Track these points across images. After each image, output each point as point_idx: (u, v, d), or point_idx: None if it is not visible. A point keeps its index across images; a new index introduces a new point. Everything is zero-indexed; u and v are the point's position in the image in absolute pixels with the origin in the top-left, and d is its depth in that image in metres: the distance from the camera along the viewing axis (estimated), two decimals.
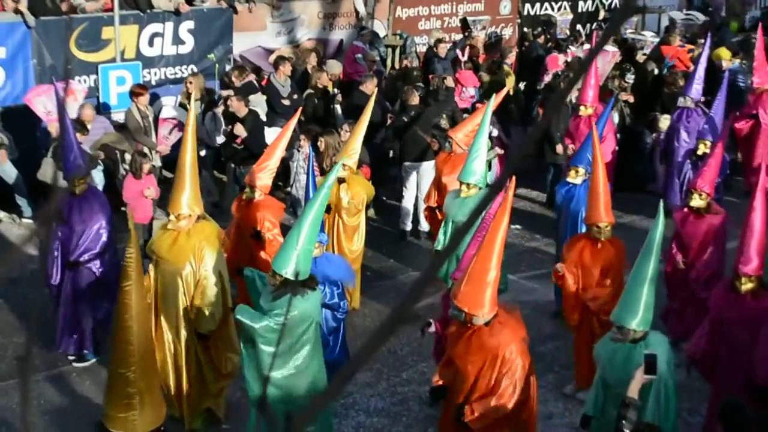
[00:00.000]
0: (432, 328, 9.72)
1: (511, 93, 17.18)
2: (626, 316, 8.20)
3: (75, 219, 11.03)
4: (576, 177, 12.48)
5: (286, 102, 16.28)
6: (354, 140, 12.83)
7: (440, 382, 8.68)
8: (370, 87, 15.89)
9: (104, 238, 11.15)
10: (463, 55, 18.86)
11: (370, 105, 13.18)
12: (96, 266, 11.13)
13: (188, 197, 9.91)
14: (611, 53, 19.49)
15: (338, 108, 16.63)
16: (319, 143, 14.05)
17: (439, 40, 19.29)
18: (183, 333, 9.99)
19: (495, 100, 13.35)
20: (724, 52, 18.54)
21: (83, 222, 11.06)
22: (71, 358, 11.49)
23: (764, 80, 16.56)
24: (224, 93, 15.80)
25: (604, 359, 8.43)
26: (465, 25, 20.85)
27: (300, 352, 8.88)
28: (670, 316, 12.00)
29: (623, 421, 7.33)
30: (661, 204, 8.94)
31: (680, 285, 11.76)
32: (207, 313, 9.91)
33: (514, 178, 9.74)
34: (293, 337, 8.82)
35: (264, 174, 11.76)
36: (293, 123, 12.40)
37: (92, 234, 11.08)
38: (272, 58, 18.15)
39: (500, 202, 8.69)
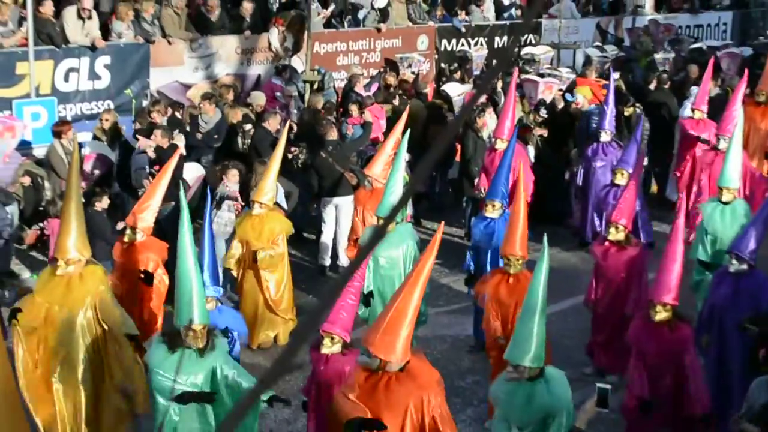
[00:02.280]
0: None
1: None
2: (520, 354, 8.18)
3: None
4: (493, 211, 12.53)
5: (198, 135, 16.13)
6: (267, 178, 12.78)
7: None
8: (273, 124, 15.85)
9: None
10: (368, 90, 18.93)
11: (282, 143, 13.15)
12: None
13: (75, 241, 9.77)
14: (543, 83, 19.72)
15: (239, 142, 16.34)
16: (254, 172, 14.11)
17: (354, 75, 19.34)
18: (81, 381, 9.83)
19: (398, 131, 13.67)
20: (585, 91, 18.51)
21: None
22: None
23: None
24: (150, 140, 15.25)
25: (503, 400, 8.38)
26: (392, 66, 20.95)
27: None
28: (595, 348, 12.07)
29: None
30: (545, 239, 9.06)
31: (605, 318, 11.83)
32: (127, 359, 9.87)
33: (442, 223, 9.70)
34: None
35: (146, 214, 11.59)
36: (173, 163, 12.29)
37: None
38: (191, 93, 18.05)
39: (426, 251, 8.65)
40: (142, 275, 11.17)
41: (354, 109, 17.29)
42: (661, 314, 9.65)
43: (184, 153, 15.38)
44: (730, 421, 8.43)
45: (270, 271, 12.71)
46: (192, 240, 9.19)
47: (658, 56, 24.15)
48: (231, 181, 14.01)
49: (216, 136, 16.39)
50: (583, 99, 17.99)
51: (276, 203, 13.25)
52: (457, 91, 19.66)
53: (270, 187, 12.74)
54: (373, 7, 21.74)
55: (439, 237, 8.93)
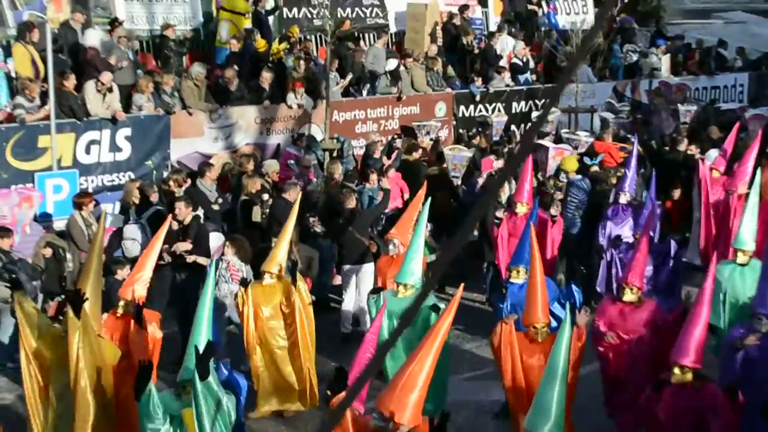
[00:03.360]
0: None
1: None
2: (540, 422, 8.10)
3: None
4: (518, 277, 12.52)
5: (216, 207, 16.19)
6: (279, 248, 12.69)
7: None
8: (293, 195, 15.85)
9: None
10: (388, 159, 19.00)
11: (293, 215, 13.08)
12: None
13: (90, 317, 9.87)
14: (554, 149, 19.79)
15: (256, 213, 16.44)
16: (273, 243, 13.99)
17: (372, 143, 19.45)
18: None
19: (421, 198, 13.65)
20: (570, 163, 18.33)
21: None
22: None
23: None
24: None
25: None
26: (409, 132, 21.06)
27: None
28: (616, 411, 11.93)
29: None
30: (568, 308, 9.01)
31: (627, 379, 11.71)
32: None
33: (461, 287, 9.68)
34: None
35: (139, 285, 11.45)
36: (162, 235, 12.18)
37: None
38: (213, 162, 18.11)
39: (443, 316, 8.58)
40: (133, 312, 10.93)
41: (374, 177, 17.35)
42: (678, 376, 9.58)
43: (202, 219, 15.41)
44: None
45: (283, 339, 12.60)
46: (212, 307, 9.27)
47: (682, 108, 24.27)
48: (228, 253, 13.92)
49: (221, 201, 16.43)
50: (567, 171, 17.91)
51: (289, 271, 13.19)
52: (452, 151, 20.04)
53: (281, 258, 12.65)
54: (385, 72, 21.91)
55: (458, 300, 8.92)
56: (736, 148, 18.56)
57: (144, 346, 11.19)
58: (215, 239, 15.23)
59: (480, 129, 21.91)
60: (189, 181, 16.67)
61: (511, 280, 12.65)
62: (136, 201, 16.08)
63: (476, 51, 24.61)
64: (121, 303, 11.43)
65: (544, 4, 27.75)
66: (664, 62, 27.30)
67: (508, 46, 24.98)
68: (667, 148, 19.92)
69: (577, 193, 17.06)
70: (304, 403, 12.74)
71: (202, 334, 9.18)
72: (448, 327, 8.64)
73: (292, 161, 18.68)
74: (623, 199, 15.94)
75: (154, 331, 11.27)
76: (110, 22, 20.00)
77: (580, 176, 17.55)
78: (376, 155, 19.03)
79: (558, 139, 21.34)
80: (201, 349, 9.11)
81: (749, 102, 27.48)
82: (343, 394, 8.32)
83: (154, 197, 15.83)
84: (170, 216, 13.62)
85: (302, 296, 12.59)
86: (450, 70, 23.58)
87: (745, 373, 10.73)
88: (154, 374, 11.09)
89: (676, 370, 9.55)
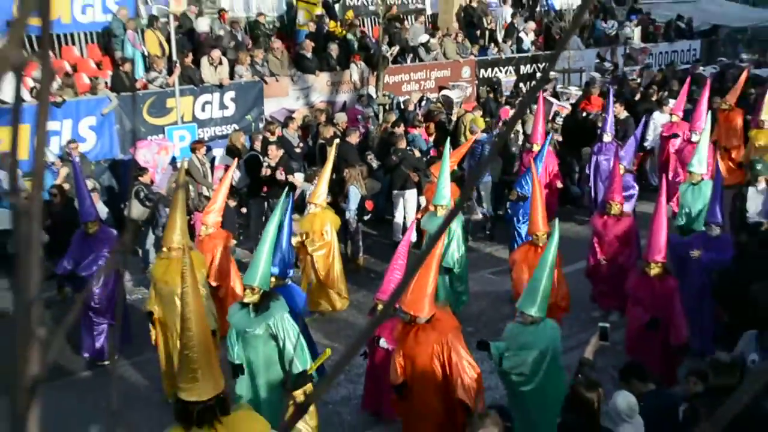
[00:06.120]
0: (384, 344, 8.85)
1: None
2: (528, 305, 8.07)
3: (85, 251, 10.77)
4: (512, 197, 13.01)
5: (298, 150, 16.35)
6: (320, 184, 12.44)
7: (398, 381, 8.01)
8: (353, 138, 15.95)
9: (100, 262, 10.69)
10: (419, 115, 18.92)
11: (331, 156, 12.89)
12: (96, 286, 10.69)
13: (178, 233, 9.60)
14: (556, 104, 19.69)
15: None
16: (345, 174, 14.19)
17: (406, 100, 19.46)
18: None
19: (456, 149, 13.80)
20: (479, 122, 17.67)
21: (92, 253, 10.73)
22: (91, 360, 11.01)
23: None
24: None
25: (508, 338, 8.22)
26: (446, 101, 20.88)
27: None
28: (598, 296, 12.07)
29: (578, 376, 7.14)
30: (557, 222, 9.11)
31: (605, 273, 11.82)
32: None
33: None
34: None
35: (212, 214, 11.23)
36: (231, 173, 12.02)
37: (93, 261, 10.73)
38: (295, 116, 18.18)
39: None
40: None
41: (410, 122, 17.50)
42: (655, 270, 9.64)
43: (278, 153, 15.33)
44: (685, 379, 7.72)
45: (319, 254, 12.40)
46: (277, 226, 8.83)
47: (627, 69, 24.10)
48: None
49: (302, 145, 16.61)
50: (477, 129, 17.17)
51: (329, 204, 12.98)
52: (456, 95, 19.89)
53: (323, 191, 12.40)
54: (419, 44, 21.83)
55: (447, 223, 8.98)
56: (690, 95, 18.35)
57: (227, 263, 11.17)
58: (300, 177, 15.39)
59: (495, 87, 21.79)
60: (279, 131, 16.74)
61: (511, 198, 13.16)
62: (240, 146, 16.32)
63: (492, 26, 24.36)
64: (202, 228, 11.34)
65: None
66: (636, 33, 26.88)
67: (505, 16, 24.81)
68: (637, 99, 19.70)
69: (485, 149, 16.33)
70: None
71: (266, 245, 8.51)
72: (443, 240, 8.71)
73: (359, 116, 18.74)
74: (606, 138, 15.86)
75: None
76: (218, 12, 20.09)
77: (486, 135, 16.83)
78: (410, 108, 19.07)
79: (555, 94, 21.18)
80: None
81: (702, 62, 27.00)
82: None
83: (257, 144, 15.99)
84: (234, 161, 13.04)
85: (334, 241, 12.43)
86: (467, 43, 23.31)
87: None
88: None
89: (653, 266, 9.62)
